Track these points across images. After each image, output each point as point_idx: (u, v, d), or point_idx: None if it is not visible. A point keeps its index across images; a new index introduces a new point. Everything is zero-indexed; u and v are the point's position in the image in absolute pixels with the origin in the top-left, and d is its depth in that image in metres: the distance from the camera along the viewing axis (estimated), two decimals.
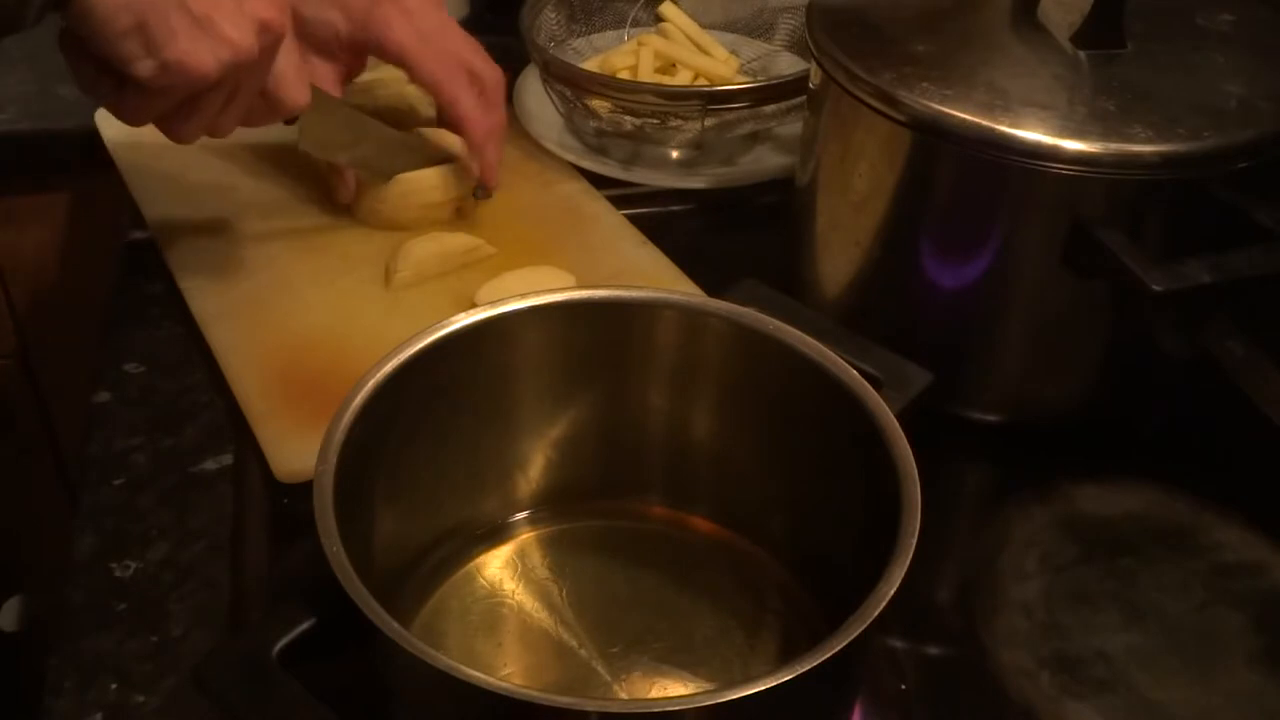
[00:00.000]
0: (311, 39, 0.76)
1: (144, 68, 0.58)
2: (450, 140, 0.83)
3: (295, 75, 0.67)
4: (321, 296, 0.76)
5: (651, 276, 0.78)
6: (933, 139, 0.62)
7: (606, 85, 0.86)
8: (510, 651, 0.56)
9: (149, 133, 0.65)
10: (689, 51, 0.93)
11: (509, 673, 0.55)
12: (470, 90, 0.79)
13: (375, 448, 0.52)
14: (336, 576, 0.44)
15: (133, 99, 0.61)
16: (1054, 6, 0.66)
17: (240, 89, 0.64)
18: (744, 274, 0.61)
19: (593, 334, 0.57)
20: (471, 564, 0.59)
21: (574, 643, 0.56)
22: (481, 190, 0.83)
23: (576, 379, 0.59)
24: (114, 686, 0.55)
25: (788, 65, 0.96)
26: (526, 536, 0.60)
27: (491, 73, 0.81)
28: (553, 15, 0.97)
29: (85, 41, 0.58)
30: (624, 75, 0.91)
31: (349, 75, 0.81)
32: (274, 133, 0.74)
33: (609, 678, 0.54)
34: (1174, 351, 0.68)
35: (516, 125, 0.93)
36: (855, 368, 0.53)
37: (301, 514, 0.47)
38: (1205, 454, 0.70)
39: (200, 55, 0.59)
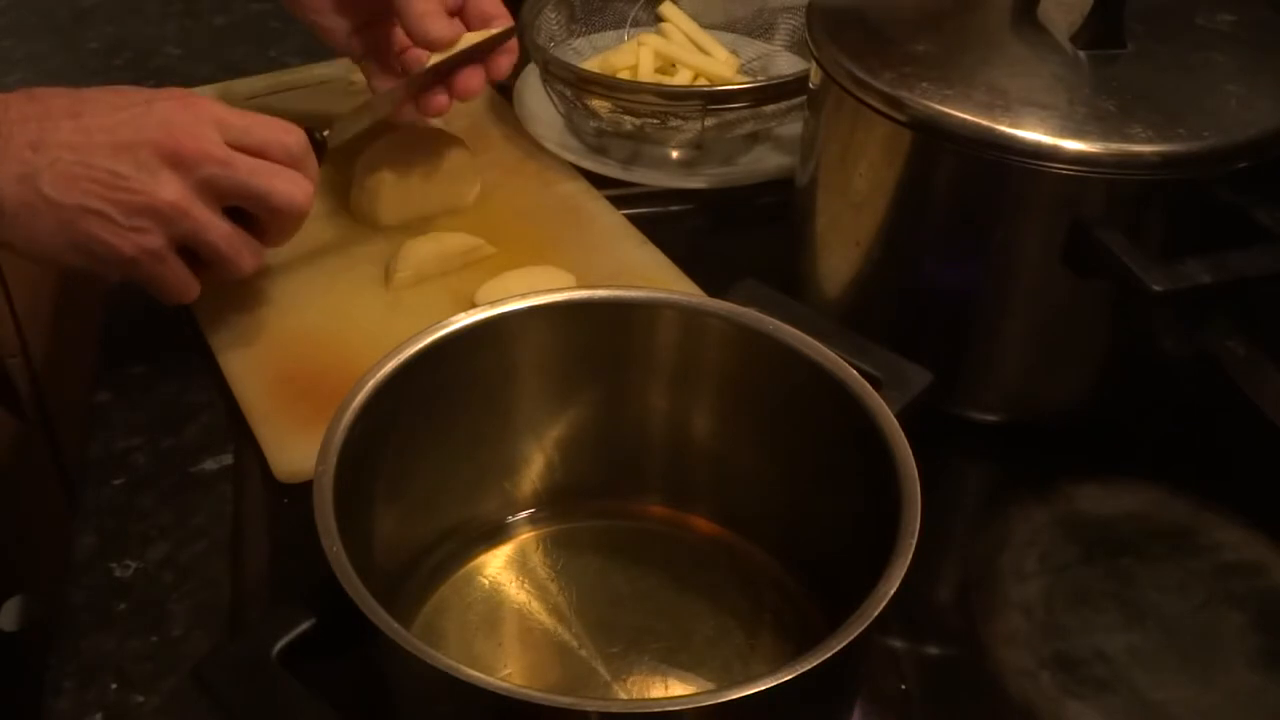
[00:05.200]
0: None
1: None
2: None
3: (227, 246, 0.67)
4: (321, 296, 0.76)
5: (651, 276, 0.78)
6: (933, 139, 0.62)
7: (606, 85, 0.86)
8: (510, 651, 0.56)
9: None
10: (689, 51, 0.93)
11: (509, 673, 0.55)
12: None
13: (375, 448, 0.52)
14: (336, 576, 0.44)
15: None
16: (1054, 6, 0.66)
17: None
18: (744, 274, 0.61)
19: (593, 334, 0.57)
20: (471, 564, 0.59)
21: (574, 643, 0.56)
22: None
23: (576, 379, 0.58)
24: (114, 686, 0.55)
25: (788, 65, 0.96)
26: (526, 536, 0.60)
27: None
28: (553, 15, 0.97)
29: None
30: (624, 75, 0.91)
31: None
32: None
33: (609, 678, 0.54)
34: (1174, 351, 0.68)
35: (516, 125, 0.93)
36: (855, 368, 0.53)
37: (301, 514, 0.47)
38: (1205, 454, 0.70)
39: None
